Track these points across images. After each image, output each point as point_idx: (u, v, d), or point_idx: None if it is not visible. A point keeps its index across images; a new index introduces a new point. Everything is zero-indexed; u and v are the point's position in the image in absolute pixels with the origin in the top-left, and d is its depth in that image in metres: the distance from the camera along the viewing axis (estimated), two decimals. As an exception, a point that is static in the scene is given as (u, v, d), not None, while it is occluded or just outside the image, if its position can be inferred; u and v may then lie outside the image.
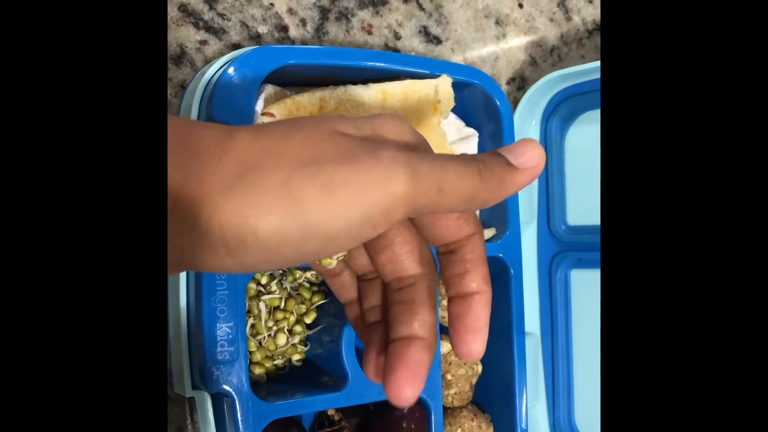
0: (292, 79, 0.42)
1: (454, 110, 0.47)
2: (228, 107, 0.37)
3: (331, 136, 0.22)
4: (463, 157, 0.23)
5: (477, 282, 0.25)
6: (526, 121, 0.52)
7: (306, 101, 0.41)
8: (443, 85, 0.43)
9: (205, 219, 0.20)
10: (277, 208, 0.20)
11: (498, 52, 0.54)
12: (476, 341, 0.25)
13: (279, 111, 0.40)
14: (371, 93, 0.42)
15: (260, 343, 0.41)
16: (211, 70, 0.39)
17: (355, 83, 0.42)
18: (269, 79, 0.40)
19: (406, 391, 0.23)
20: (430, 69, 0.43)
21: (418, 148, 0.24)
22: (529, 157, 0.24)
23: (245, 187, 0.20)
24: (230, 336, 0.37)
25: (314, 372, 0.43)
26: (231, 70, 0.37)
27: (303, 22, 0.46)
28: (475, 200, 0.23)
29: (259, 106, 0.39)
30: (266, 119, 0.39)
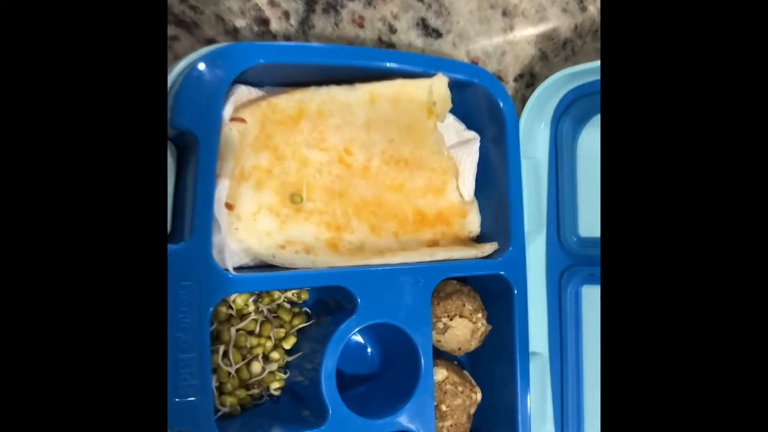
0: (269, 78, 0.38)
1: (453, 112, 0.43)
2: (193, 112, 0.33)
3: None
4: None
5: None
6: (535, 122, 0.47)
7: (283, 104, 0.36)
8: (438, 84, 0.39)
9: None
10: None
11: (505, 46, 0.50)
12: None
13: (252, 115, 0.35)
14: (358, 95, 0.38)
15: (230, 374, 0.37)
16: (177, 69, 0.35)
17: (339, 83, 0.38)
18: (242, 79, 0.36)
19: None
20: (424, 67, 0.39)
21: None
22: None
23: None
24: (193, 368, 0.33)
25: (294, 404, 0.39)
26: (197, 69, 0.33)
27: (286, 14, 0.42)
28: None
29: (228, 110, 0.35)
30: (236, 126, 0.35)
